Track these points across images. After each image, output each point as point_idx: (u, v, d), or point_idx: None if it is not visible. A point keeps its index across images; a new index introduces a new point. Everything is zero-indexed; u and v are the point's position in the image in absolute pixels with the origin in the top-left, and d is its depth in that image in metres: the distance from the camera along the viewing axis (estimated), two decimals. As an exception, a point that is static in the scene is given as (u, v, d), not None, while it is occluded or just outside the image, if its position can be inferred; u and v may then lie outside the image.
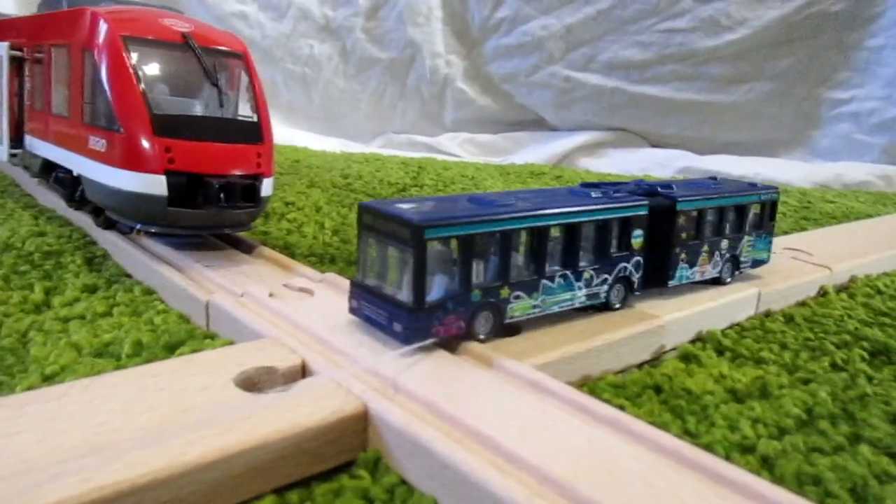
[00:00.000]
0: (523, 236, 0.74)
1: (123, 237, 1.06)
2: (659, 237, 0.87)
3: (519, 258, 0.74)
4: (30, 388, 0.65)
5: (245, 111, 1.04)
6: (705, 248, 0.92)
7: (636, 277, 0.84)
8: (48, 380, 0.67)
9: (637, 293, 0.86)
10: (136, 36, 0.98)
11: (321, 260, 1.13)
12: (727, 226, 0.95)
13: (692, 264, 0.91)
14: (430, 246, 0.64)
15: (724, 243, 0.95)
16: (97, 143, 0.98)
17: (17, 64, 1.35)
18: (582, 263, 0.79)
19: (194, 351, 0.73)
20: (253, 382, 0.62)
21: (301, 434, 0.53)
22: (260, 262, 1.00)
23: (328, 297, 0.83)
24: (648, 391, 0.72)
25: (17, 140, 1.37)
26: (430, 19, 3.09)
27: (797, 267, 1.10)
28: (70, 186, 1.16)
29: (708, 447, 0.60)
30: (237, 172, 0.96)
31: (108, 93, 0.95)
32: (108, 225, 1.09)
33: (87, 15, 1.03)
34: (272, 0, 3.28)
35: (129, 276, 0.99)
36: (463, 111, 3.17)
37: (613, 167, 2.76)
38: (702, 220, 0.91)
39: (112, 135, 0.95)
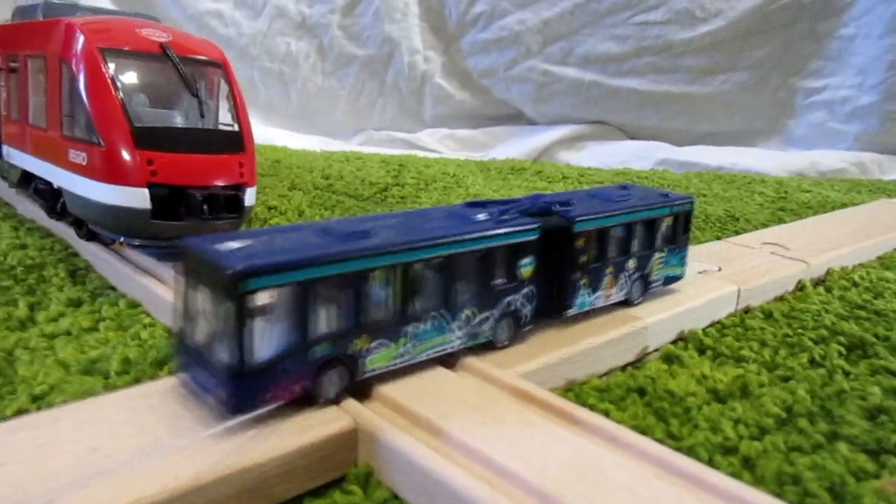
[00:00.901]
0: (382, 275, 0.62)
1: (106, 249, 1.06)
2: (555, 262, 0.78)
3: (378, 300, 0.63)
4: (20, 410, 0.65)
5: (226, 120, 1.04)
6: (609, 269, 0.83)
7: (527, 311, 0.75)
8: (37, 400, 0.67)
9: (527, 328, 0.76)
10: (113, 47, 0.97)
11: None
12: (634, 243, 0.86)
13: (595, 289, 0.82)
14: (253, 298, 0.54)
15: (632, 262, 0.86)
16: (77, 156, 0.98)
17: (-9, 74, 1.34)
18: (459, 300, 0.68)
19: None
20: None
21: (293, 452, 0.54)
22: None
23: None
24: (632, 394, 0.73)
25: (-6, 150, 1.36)
26: (406, 15, 3.09)
27: (775, 262, 1.12)
28: (50, 198, 1.15)
29: (691, 450, 0.62)
30: (220, 183, 0.96)
31: (87, 105, 0.95)
32: (91, 237, 1.09)
33: (63, 26, 1.02)
34: (247, -2, 3.26)
35: (113, 288, 0.99)
36: (442, 107, 3.18)
37: (592, 160, 2.78)
38: (604, 240, 0.82)
39: (92, 148, 0.94)
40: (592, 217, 0.80)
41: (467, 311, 0.69)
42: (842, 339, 0.89)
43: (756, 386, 0.75)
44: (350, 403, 0.60)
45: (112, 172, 0.92)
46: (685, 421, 0.68)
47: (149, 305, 0.92)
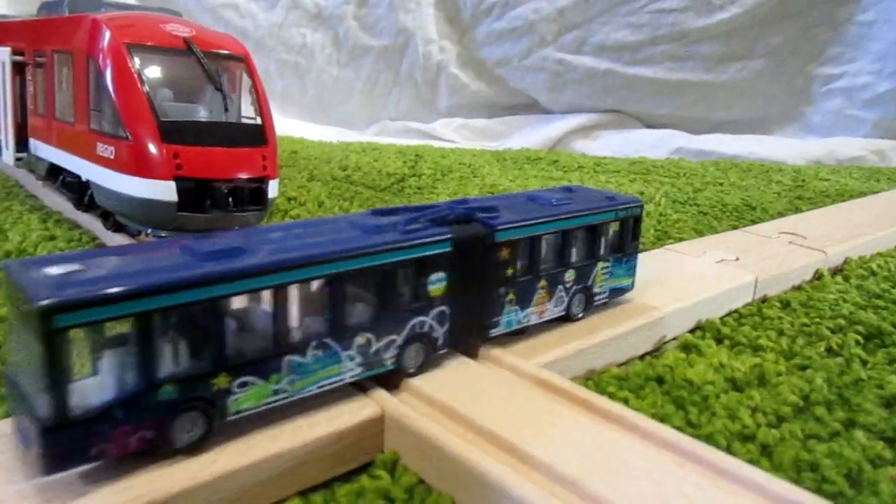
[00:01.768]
0: (246, 301, 0.54)
1: (132, 240, 1.09)
2: (474, 276, 0.68)
3: (243, 331, 0.54)
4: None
5: (248, 113, 1.06)
6: (542, 283, 0.74)
7: (440, 333, 0.66)
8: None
9: (442, 351, 0.67)
10: (138, 43, 0.99)
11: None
12: (573, 252, 0.78)
13: (525, 305, 0.73)
14: (66, 336, 0.44)
15: (570, 274, 0.78)
16: (105, 149, 1.00)
17: (18, 68, 1.36)
18: (350, 326, 0.59)
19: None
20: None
21: (322, 439, 0.56)
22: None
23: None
24: (651, 383, 0.74)
25: (21, 144, 1.39)
26: (421, 5, 3.10)
27: (792, 251, 1.13)
28: (78, 191, 1.18)
29: (709, 438, 0.63)
30: (244, 176, 0.98)
31: (115, 101, 0.97)
32: (117, 228, 1.12)
33: (89, 22, 1.04)
34: (262, -11, 3.28)
35: (140, 279, 1.01)
36: (457, 97, 3.18)
37: (608, 149, 2.78)
38: (535, 250, 0.73)
39: (120, 142, 0.96)
40: (519, 225, 0.70)
41: (362, 338, 0.60)
42: (859, 328, 0.90)
43: (773, 374, 0.76)
44: (377, 392, 0.62)
45: (140, 166, 0.94)
46: (703, 409, 0.69)
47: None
